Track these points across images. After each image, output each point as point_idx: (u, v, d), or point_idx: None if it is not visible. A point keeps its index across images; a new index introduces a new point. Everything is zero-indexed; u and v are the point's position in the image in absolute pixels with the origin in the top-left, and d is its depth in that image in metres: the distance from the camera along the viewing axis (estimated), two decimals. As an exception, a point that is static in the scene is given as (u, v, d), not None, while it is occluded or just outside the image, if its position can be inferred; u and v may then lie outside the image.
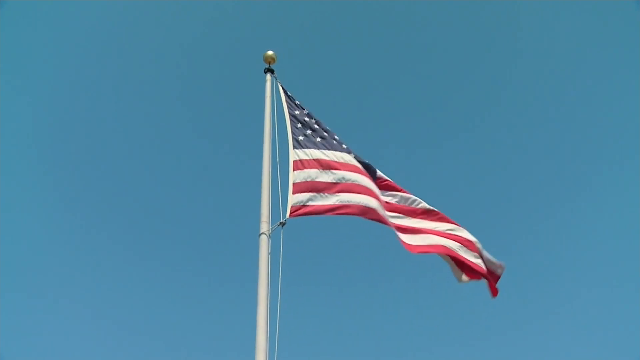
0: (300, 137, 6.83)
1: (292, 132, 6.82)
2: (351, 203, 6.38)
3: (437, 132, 22.44)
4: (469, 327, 18.26)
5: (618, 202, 19.77)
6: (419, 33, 23.00)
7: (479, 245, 6.97)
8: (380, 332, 18.42)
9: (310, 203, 6.23)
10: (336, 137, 7.06)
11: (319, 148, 6.79)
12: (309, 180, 6.41)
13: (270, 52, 7.47)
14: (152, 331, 18.07)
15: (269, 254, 5.76)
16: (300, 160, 6.56)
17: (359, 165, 6.82)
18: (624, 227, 18.93)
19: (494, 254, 6.97)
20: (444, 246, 6.79)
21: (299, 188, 6.30)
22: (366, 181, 6.68)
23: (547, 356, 17.46)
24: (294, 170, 6.43)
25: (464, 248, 6.87)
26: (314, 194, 6.33)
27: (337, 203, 6.34)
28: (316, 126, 7.07)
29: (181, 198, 21.00)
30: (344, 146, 6.98)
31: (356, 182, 6.59)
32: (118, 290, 18.78)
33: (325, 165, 6.62)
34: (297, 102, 7.25)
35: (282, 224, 5.94)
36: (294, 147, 6.66)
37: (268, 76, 7.35)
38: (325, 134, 7.03)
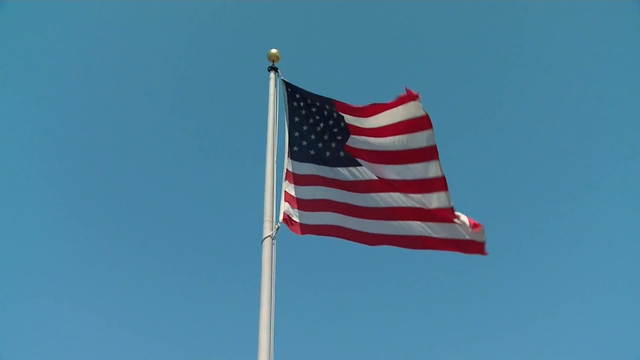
0: (295, 148, 6.90)
1: (289, 139, 6.89)
2: (326, 224, 6.71)
3: (440, 131, 22.40)
4: (468, 327, 18.29)
5: (618, 201, 19.80)
6: (421, 31, 23.03)
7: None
8: (380, 332, 18.42)
9: (294, 219, 6.48)
10: (334, 143, 7.00)
11: (310, 162, 6.91)
12: (295, 196, 6.62)
13: (274, 50, 7.41)
14: (153, 332, 18.08)
15: (272, 255, 5.77)
16: (291, 173, 6.72)
17: (348, 177, 6.86)
18: (624, 227, 18.95)
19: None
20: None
21: (288, 198, 6.53)
22: (345, 195, 6.80)
23: (547, 356, 17.47)
24: (285, 179, 6.59)
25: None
26: (297, 210, 6.55)
27: (314, 223, 6.63)
28: (312, 137, 7.05)
29: (183, 199, 21.01)
30: (341, 153, 6.95)
31: (333, 200, 6.79)
32: (120, 292, 18.80)
33: (311, 182, 6.80)
34: (301, 99, 7.18)
35: (277, 228, 6.01)
36: (289, 156, 6.78)
37: (272, 74, 7.27)
38: (321, 143, 7.01)
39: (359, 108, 6.78)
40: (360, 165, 6.87)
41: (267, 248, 5.79)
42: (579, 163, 21.23)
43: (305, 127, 7.03)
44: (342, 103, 6.87)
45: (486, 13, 22.07)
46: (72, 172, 20.27)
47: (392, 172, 6.62)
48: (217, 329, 18.52)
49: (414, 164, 6.45)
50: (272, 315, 5.37)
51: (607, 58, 20.27)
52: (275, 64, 7.40)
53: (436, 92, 22.76)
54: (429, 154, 6.36)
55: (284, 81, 7.28)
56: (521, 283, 19.74)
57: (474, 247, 6.33)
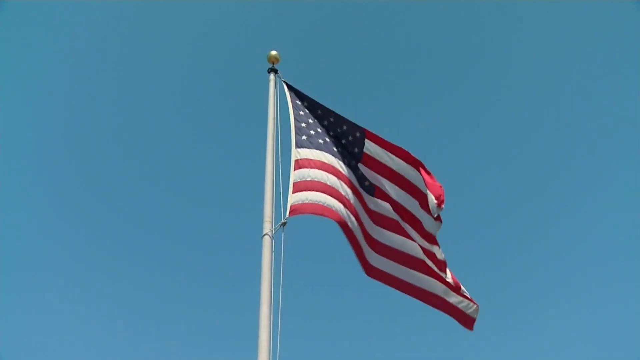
0: (304, 137, 6.81)
1: (295, 130, 6.80)
2: (335, 210, 6.46)
3: (440, 131, 22.50)
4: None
5: (618, 202, 19.82)
6: (421, 32, 23.05)
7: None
8: (381, 331, 18.45)
9: (307, 201, 6.21)
10: (337, 148, 7.06)
11: (321, 150, 6.79)
12: (308, 179, 6.40)
13: (273, 52, 7.45)
14: (154, 331, 18.10)
15: (272, 254, 5.77)
16: (301, 159, 6.54)
17: (351, 179, 6.90)
18: (624, 227, 18.98)
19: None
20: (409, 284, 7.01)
21: (298, 187, 6.27)
22: (351, 196, 6.80)
23: (547, 356, 17.50)
24: (295, 169, 6.40)
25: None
26: (311, 192, 6.32)
27: (326, 205, 6.40)
28: (319, 130, 7.07)
29: (183, 199, 21.03)
30: (343, 156, 7.03)
31: (342, 193, 6.68)
32: (121, 291, 18.83)
33: (324, 168, 6.64)
34: (304, 101, 7.23)
35: (283, 224, 5.92)
36: (296, 146, 6.64)
37: (271, 76, 7.32)
38: (327, 139, 7.04)
39: (387, 142, 7.03)
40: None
41: (267, 247, 5.80)
42: (580, 163, 21.26)
43: (310, 120, 7.06)
44: (371, 133, 7.06)
45: (486, 12, 22.11)
46: (73, 171, 20.33)
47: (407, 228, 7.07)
48: (218, 329, 18.57)
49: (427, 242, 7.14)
50: (272, 315, 5.37)
51: (607, 58, 20.30)
52: (275, 66, 7.45)
53: (437, 90, 22.82)
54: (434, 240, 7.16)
55: (287, 84, 7.31)
56: (521, 283, 19.78)
57: (467, 320, 7.22)
